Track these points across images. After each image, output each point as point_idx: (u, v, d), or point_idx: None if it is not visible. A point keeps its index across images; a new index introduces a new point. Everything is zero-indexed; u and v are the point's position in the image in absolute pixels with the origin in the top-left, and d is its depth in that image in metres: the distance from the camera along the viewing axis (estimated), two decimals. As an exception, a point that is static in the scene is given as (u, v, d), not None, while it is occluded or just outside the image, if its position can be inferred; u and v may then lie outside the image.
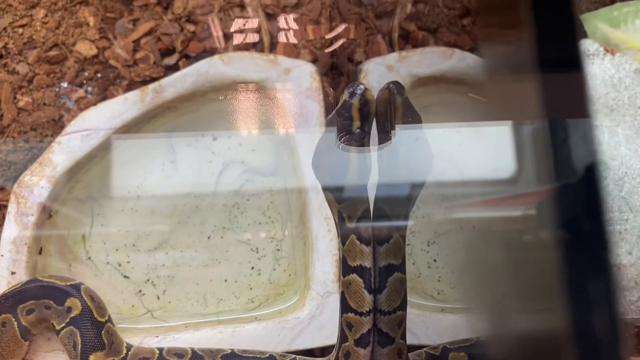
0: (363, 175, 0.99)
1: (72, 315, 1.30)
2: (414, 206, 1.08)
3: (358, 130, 0.94)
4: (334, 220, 1.08)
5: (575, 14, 0.88)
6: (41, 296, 1.32)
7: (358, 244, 1.04)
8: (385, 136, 0.99)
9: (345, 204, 1.02)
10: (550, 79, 0.85)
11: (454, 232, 1.64)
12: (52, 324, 1.32)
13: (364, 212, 1.03)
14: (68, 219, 1.55)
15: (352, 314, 1.09)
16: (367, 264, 1.05)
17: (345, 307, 1.11)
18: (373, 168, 1.01)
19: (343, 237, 1.05)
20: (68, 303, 1.31)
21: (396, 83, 0.97)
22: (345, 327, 1.11)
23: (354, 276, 1.06)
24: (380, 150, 0.99)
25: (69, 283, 1.34)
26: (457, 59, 1.59)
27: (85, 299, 1.32)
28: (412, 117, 0.98)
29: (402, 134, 0.98)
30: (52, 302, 1.32)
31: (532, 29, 0.87)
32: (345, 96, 0.95)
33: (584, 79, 0.84)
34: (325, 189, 1.04)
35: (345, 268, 1.07)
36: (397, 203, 1.06)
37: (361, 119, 0.94)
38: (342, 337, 1.14)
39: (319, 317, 1.42)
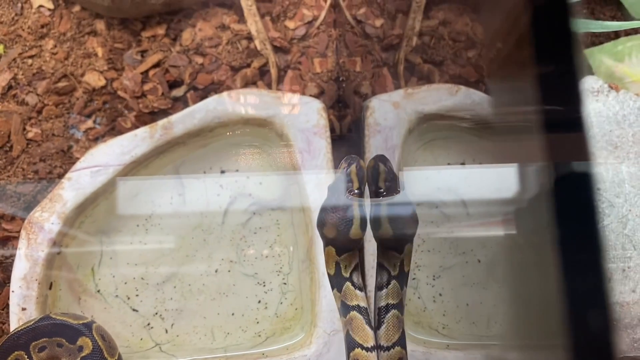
0: (364, 227, 1.14)
1: (83, 354, 1.31)
2: (410, 258, 1.20)
3: (357, 190, 1.13)
4: (328, 273, 1.18)
5: (578, 51, 0.90)
6: (54, 334, 1.34)
7: (353, 289, 1.17)
8: (373, 196, 1.17)
9: (344, 256, 1.16)
10: (552, 118, 0.87)
11: (459, 266, 1.65)
12: (64, 363, 1.34)
13: (356, 263, 1.19)
14: (77, 253, 1.56)
15: (360, 349, 1.14)
16: (364, 304, 1.17)
17: (351, 344, 1.15)
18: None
19: (339, 285, 1.17)
20: (80, 342, 1.33)
21: (382, 156, 1.17)
22: None
23: (354, 313, 1.16)
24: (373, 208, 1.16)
25: (81, 322, 1.36)
26: (462, 95, 1.61)
27: (97, 338, 1.33)
28: (393, 182, 1.15)
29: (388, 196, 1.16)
30: (64, 340, 1.33)
31: (535, 67, 0.89)
32: (343, 165, 1.15)
33: (584, 119, 0.86)
34: (329, 243, 1.16)
35: (345, 309, 1.16)
36: (392, 257, 1.19)
37: (359, 181, 1.14)
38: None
39: (326, 355, 1.44)
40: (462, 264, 1.66)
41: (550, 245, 0.82)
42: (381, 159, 1.15)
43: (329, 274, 1.18)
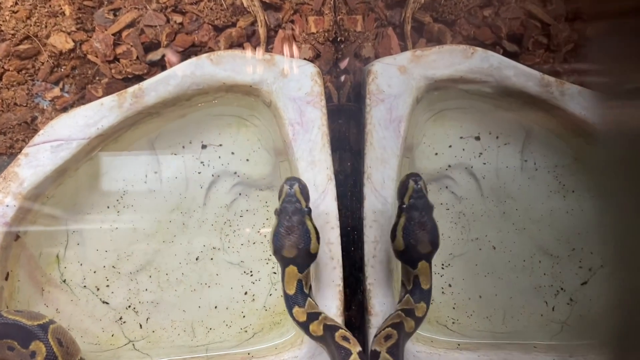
0: (319, 240, 1.22)
1: None
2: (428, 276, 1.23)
3: (307, 207, 1.20)
4: (287, 294, 1.20)
5: None
6: (4, 335, 1.16)
7: (314, 303, 1.23)
8: (399, 211, 1.23)
9: (305, 273, 1.22)
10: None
11: (472, 253, 1.46)
12: (14, 368, 1.17)
13: (311, 283, 1.26)
14: (39, 238, 1.38)
15: (344, 330, 1.19)
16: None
17: (336, 326, 1.19)
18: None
19: (301, 302, 1.20)
20: (33, 346, 1.15)
21: (416, 174, 1.23)
22: (343, 341, 1.15)
23: (323, 315, 1.21)
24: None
25: (36, 323, 1.18)
26: (479, 58, 1.39)
27: (52, 343, 1.16)
28: (419, 200, 1.20)
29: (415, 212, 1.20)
30: (15, 343, 1.16)
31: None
32: (286, 188, 1.19)
33: None
34: (289, 264, 1.19)
35: (315, 315, 1.19)
36: (407, 271, 1.25)
37: (305, 199, 1.20)
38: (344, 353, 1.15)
39: (318, 357, 1.26)
40: (474, 251, 1.47)
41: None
42: (414, 176, 1.22)
43: (288, 295, 1.20)
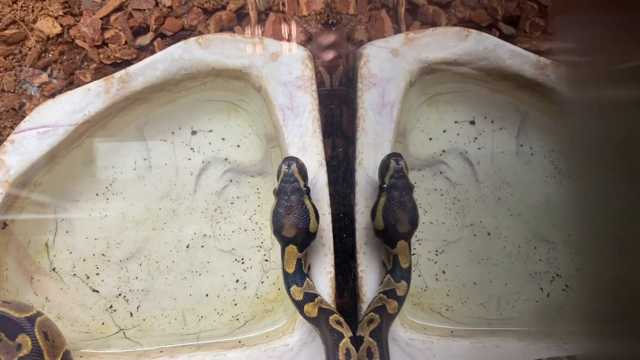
0: (319, 219, 1.23)
1: (21, 354, 1.12)
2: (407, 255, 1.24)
3: (305, 187, 1.20)
4: (287, 272, 1.21)
5: None
6: None
7: (312, 284, 1.24)
8: (379, 191, 1.23)
9: (305, 252, 1.22)
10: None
11: (466, 240, 1.44)
12: (1, 359, 1.15)
13: (309, 263, 1.27)
14: (27, 226, 1.36)
15: (337, 314, 1.19)
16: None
17: (330, 311, 1.20)
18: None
19: (300, 281, 1.21)
20: (19, 339, 1.13)
21: (397, 154, 1.22)
22: (337, 325, 1.16)
23: (319, 298, 1.22)
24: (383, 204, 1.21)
25: (23, 315, 1.16)
26: (473, 40, 1.36)
27: (38, 337, 1.14)
28: (400, 180, 1.20)
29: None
30: (3, 334, 1.14)
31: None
32: (284, 168, 1.19)
33: None
34: (289, 243, 1.20)
35: (312, 296, 1.21)
36: (386, 251, 1.26)
37: (303, 178, 1.20)
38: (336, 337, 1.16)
39: (310, 345, 1.25)
40: (469, 237, 1.44)
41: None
42: (395, 156, 1.21)
43: (287, 273, 1.21)
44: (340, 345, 1.13)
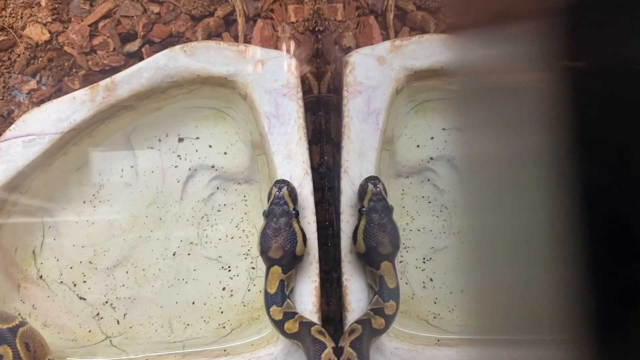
0: (306, 243, 1.24)
1: None
2: (393, 275, 1.23)
3: (294, 210, 1.22)
4: (268, 292, 1.21)
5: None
6: None
7: (292, 304, 1.24)
8: (359, 214, 1.24)
9: (289, 274, 1.23)
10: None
11: (454, 247, 1.43)
12: (-17, 369, 1.16)
13: (293, 286, 1.27)
14: (14, 233, 1.36)
15: (318, 325, 1.21)
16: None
17: (308, 326, 1.19)
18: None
19: (280, 302, 1.21)
20: (1, 350, 1.14)
21: (374, 178, 1.24)
22: (319, 335, 1.17)
23: (298, 315, 1.22)
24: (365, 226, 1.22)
25: (5, 326, 1.16)
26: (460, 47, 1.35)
27: (19, 348, 1.14)
28: (378, 203, 1.21)
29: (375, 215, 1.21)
30: None
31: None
32: (274, 191, 1.21)
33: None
34: (274, 264, 1.21)
35: (291, 315, 1.20)
36: (370, 272, 1.26)
37: (293, 201, 1.22)
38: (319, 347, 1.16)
39: (294, 354, 1.24)
40: (456, 244, 1.44)
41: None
42: (372, 180, 1.23)
43: (268, 293, 1.21)
44: (323, 356, 1.13)
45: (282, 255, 1.19)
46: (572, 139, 0.62)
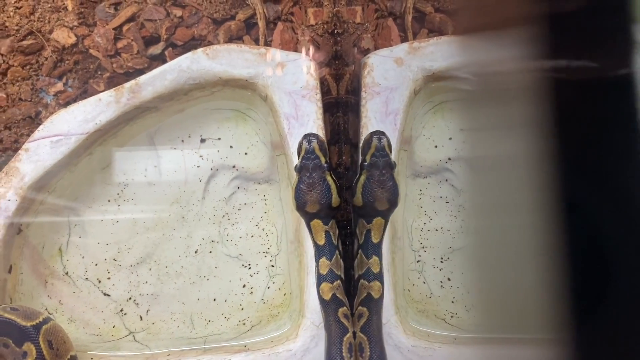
0: (341, 194, 1.23)
1: None
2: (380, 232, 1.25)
3: (326, 163, 1.19)
4: (317, 243, 1.23)
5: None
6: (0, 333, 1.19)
7: (340, 259, 1.25)
8: (360, 169, 1.22)
9: (331, 224, 1.24)
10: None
11: (472, 247, 1.45)
12: (9, 364, 1.20)
13: (338, 232, 1.28)
14: (42, 231, 1.41)
15: (346, 307, 1.22)
16: (342, 277, 1.27)
17: (340, 303, 1.21)
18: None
19: (330, 254, 1.23)
20: (25, 347, 1.18)
21: (379, 132, 1.20)
22: (344, 319, 1.20)
23: (338, 282, 1.23)
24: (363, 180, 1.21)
25: (29, 323, 1.20)
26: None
27: (42, 345, 1.18)
28: (381, 159, 1.19)
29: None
30: (10, 341, 1.19)
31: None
32: (304, 145, 1.19)
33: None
34: (313, 218, 1.21)
35: (333, 277, 1.22)
36: (361, 225, 1.26)
37: (324, 155, 1.20)
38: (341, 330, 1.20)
39: (313, 350, 1.27)
40: (474, 244, 1.45)
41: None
42: (378, 134, 1.20)
43: (318, 245, 1.23)
44: (345, 339, 1.17)
45: (320, 209, 1.19)
46: (555, 144, 0.64)
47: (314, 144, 1.18)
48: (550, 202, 0.64)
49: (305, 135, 1.20)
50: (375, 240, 1.23)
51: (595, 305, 0.65)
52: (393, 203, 1.21)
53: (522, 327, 0.84)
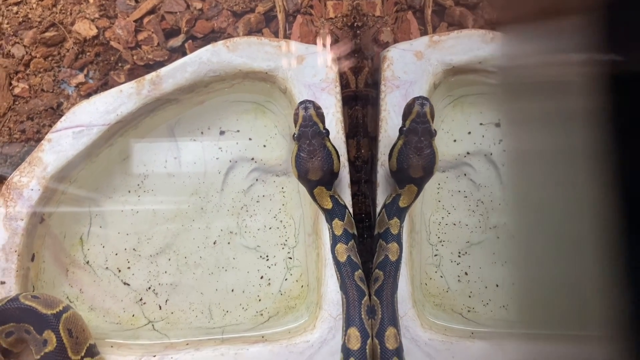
0: (339, 158, 1.23)
1: (46, 350, 1.19)
2: (411, 199, 1.25)
3: (325, 129, 1.19)
4: (325, 209, 1.25)
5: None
6: (21, 319, 1.21)
7: (352, 219, 1.28)
8: (399, 133, 1.20)
9: (333, 189, 1.26)
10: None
11: (490, 242, 1.44)
12: (32, 350, 1.22)
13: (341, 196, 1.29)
14: (63, 221, 1.42)
15: (361, 270, 1.24)
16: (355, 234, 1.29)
17: (355, 266, 1.24)
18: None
19: (341, 215, 1.25)
20: (45, 335, 1.20)
21: (423, 98, 1.18)
22: (360, 282, 1.22)
23: (352, 242, 1.25)
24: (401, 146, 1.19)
25: (50, 311, 1.22)
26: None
27: (62, 334, 1.20)
28: (421, 125, 1.17)
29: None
30: (31, 328, 1.21)
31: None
32: (301, 112, 1.18)
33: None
34: (317, 185, 1.22)
35: (347, 237, 1.24)
36: (392, 188, 1.28)
37: (322, 121, 1.19)
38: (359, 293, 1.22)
39: (330, 342, 1.27)
40: (492, 239, 1.45)
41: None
42: (421, 100, 1.18)
43: (326, 210, 1.25)
44: (363, 302, 1.20)
45: (322, 176, 1.19)
46: (613, 135, 0.63)
47: (311, 110, 1.17)
48: (612, 196, 0.63)
49: (301, 102, 1.19)
50: (402, 204, 1.22)
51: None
52: (428, 171, 1.19)
53: (573, 324, 0.83)
